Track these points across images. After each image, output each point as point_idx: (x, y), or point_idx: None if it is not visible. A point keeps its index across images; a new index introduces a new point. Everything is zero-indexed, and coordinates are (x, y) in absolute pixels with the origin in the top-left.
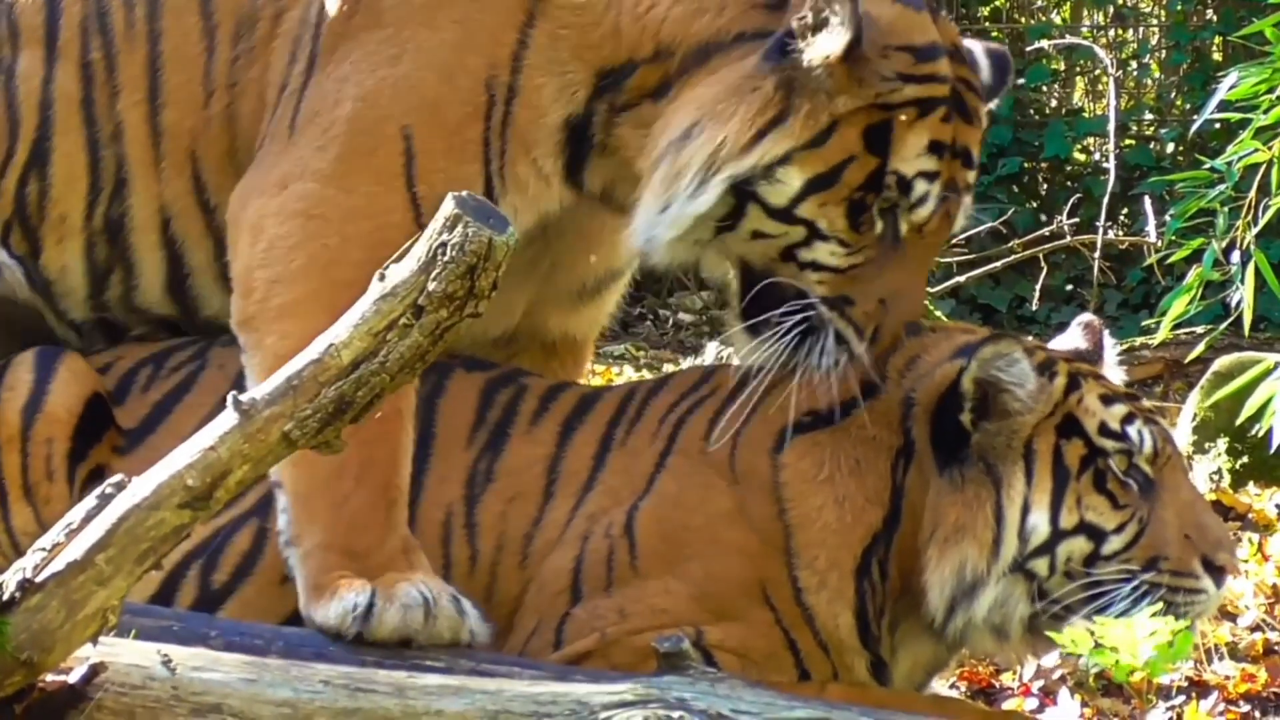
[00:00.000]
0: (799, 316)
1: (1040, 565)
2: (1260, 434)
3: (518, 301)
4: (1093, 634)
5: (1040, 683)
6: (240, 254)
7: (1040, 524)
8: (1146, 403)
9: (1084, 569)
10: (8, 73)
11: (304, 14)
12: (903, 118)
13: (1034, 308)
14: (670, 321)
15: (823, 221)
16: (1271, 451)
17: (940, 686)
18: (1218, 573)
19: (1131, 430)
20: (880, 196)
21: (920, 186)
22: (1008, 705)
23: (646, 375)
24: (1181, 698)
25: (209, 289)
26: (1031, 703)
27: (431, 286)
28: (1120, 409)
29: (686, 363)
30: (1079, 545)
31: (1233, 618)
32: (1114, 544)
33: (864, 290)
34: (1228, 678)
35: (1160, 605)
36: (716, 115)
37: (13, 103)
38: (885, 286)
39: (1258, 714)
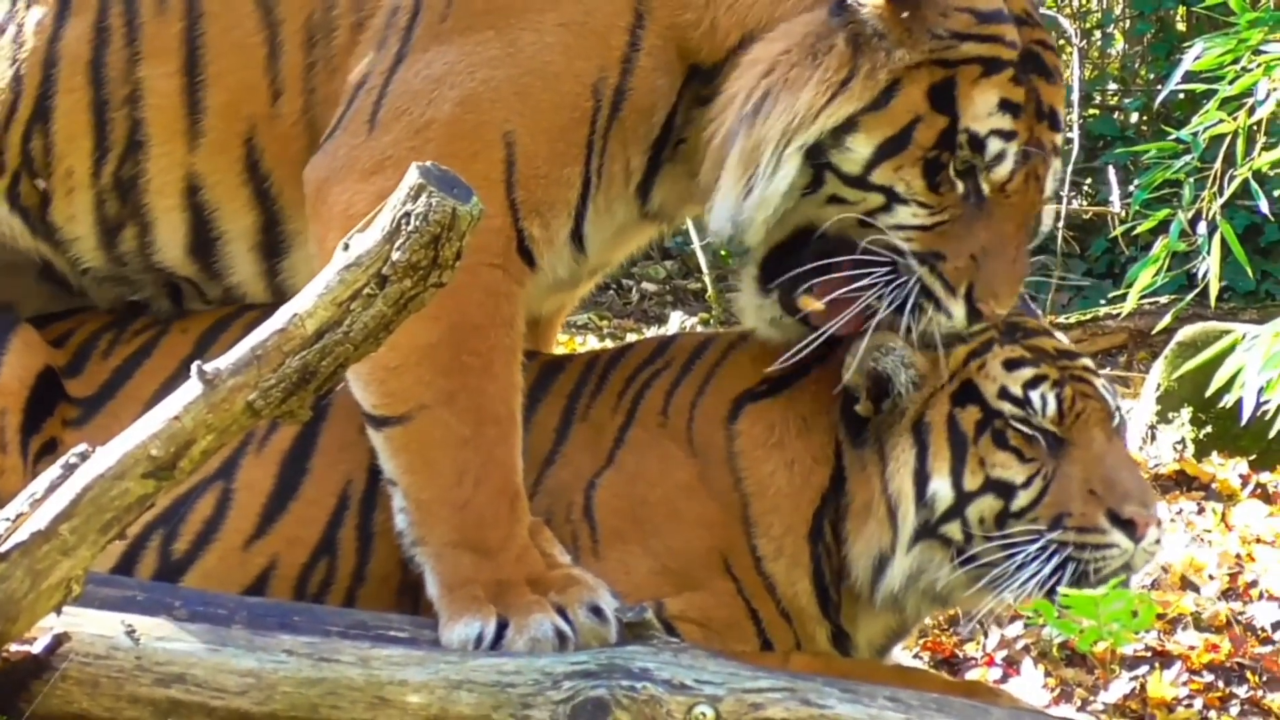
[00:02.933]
0: (880, 274)
1: (953, 530)
2: (1229, 405)
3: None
4: (1056, 604)
5: (1004, 653)
6: (330, 249)
7: (942, 489)
8: (1085, 360)
9: (998, 529)
10: (18, 27)
11: (389, 18)
12: (966, 75)
13: None
14: (634, 291)
15: (900, 185)
16: (1243, 424)
17: (904, 657)
18: (1127, 526)
19: (1034, 395)
20: (955, 156)
21: (995, 144)
22: (971, 675)
23: (609, 345)
24: (1145, 668)
25: (240, 257)
26: (995, 673)
27: (396, 256)
28: (1026, 373)
29: (650, 332)
30: (988, 504)
31: (1196, 588)
32: (1022, 499)
33: (954, 246)
34: (1191, 648)
35: (1070, 564)
36: (790, 82)
37: (18, 57)
38: (975, 244)
39: (1221, 684)
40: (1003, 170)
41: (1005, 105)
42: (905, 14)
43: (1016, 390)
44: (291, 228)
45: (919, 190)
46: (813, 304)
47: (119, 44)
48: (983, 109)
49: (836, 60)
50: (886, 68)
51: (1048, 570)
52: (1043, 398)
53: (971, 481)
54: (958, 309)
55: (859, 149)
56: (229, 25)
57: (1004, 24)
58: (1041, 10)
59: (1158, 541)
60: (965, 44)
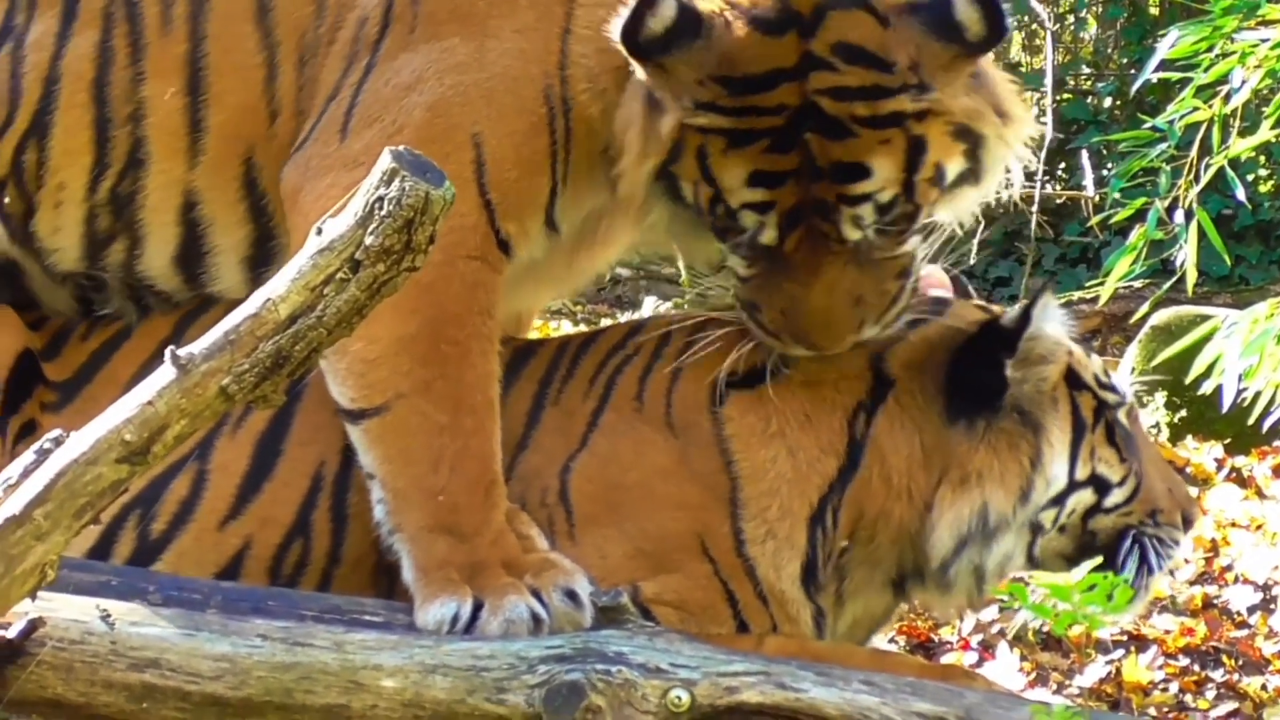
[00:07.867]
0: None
1: (1048, 517)
2: (1209, 392)
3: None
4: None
5: (979, 637)
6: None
7: (1060, 474)
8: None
9: (1082, 523)
10: (17, 41)
11: (355, 31)
12: (714, 146)
13: (971, 261)
14: (608, 275)
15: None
16: (1224, 411)
17: (879, 640)
18: (1188, 526)
19: (1117, 381)
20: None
21: (748, 217)
22: (947, 659)
23: (583, 329)
24: (1120, 652)
25: (229, 268)
26: (971, 657)
27: (368, 241)
28: (1097, 360)
29: (624, 317)
30: (1086, 497)
31: (1170, 572)
32: (1116, 497)
33: (765, 299)
34: (1167, 632)
35: (1157, 559)
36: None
37: (17, 71)
38: (782, 298)
39: (1196, 668)
40: (767, 238)
41: (757, 178)
42: (663, 79)
43: (1105, 377)
44: (284, 241)
45: (726, 245)
46: None
47: (123, 63)
48: (733, 182)
49: (639, 115)
50: (665, 127)
51: (1145, 564)
52: (1122, 386)
53: (1081, 470)
54: (793, 349)
55: (686, 194)
56: (230, 46)
57: (769, 90)
58: None
59: None
60: (710, 115)
